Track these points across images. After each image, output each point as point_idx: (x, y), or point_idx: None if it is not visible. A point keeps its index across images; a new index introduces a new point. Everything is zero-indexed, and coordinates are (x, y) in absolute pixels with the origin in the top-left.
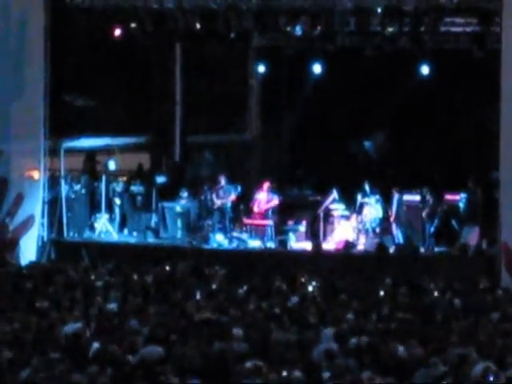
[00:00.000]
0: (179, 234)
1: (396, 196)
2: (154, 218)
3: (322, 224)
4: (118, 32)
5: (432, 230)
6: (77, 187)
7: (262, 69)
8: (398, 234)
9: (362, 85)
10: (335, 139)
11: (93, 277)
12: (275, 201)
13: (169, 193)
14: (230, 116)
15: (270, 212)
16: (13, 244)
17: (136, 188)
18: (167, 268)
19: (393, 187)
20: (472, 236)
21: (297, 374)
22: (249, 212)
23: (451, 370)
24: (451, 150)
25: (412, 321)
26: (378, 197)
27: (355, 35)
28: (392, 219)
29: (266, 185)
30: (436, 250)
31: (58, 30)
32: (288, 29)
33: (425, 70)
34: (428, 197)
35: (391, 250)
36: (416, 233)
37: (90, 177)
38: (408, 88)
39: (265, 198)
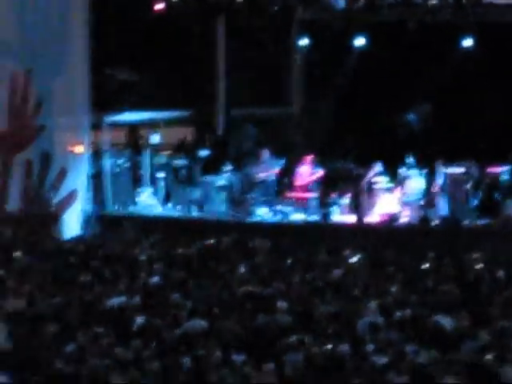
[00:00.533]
0: (223, 207)
1: (440, 168)
2: (198, 192)
3: (365, 197)
4: (160, 5)
5: (476, 202)
6: (120, 161)
7: (305, 42)
8: (441, 207)
9: (406, 58)
10: (379, 112)
11: (136, 250)
12: (319, 173)
13: (212, 167)
14: (273, 89)
15: (313, 185)
16: (56, 218)
17: (179, 162)
18: (211, 241)
19: (437, 160)
20: None
21: (341, 347)
22: (292, 185)
23: (495, 343)
24: (494, 122)
25: (456, 293)
26: (421, 169)
27: (398, 7)
28: (436, 192)
29: (309, 158)
30: (479, 222)
31: (101, 4)
32: (331, 2)
33: (468, 42)
34: (472, 169)
35: (435, 222)
36: (460, 205)
37: (134, 151)
38: (451, 61)
39: (308, 171)
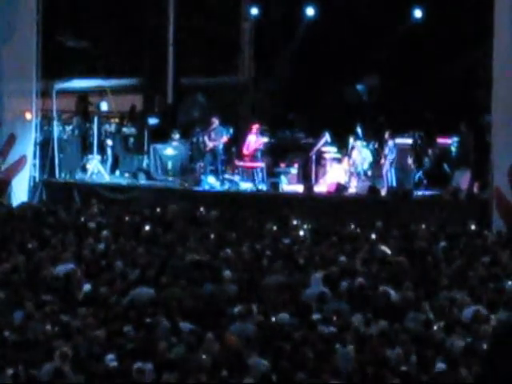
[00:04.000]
0: (171, 175)
1: (388, 139)
2: (146, 160)
3: (313, 167)
4: None
5: (423, 173)
6: (69, 128)
7: (254, 11)
8: (389, 177)
9: (355, 28)
10: (328, 82)
11: (84, 218)
12: (262, 140)
13: (161, 135)
14: (222, 58)
15: (260, 154)
16: (5, 184)
17: (128, 129)
18: (158, 210)
19: (385, 130)
20: (464, 180)
21: (286, 316)
22: (240, 154)
23: (442, 314)
24: (443, 93)
25: (403, 264)
26: (369, 140)
27: None
28: (384, 162)
29: (255, 127)
30: (427, 193)
31: None
32: None
33: (417, 13)
34: (420, 140)
35: (383, 192)
36: (408, 176)
37: (82, 118)
38: (400, 31)
39: (254, 140)
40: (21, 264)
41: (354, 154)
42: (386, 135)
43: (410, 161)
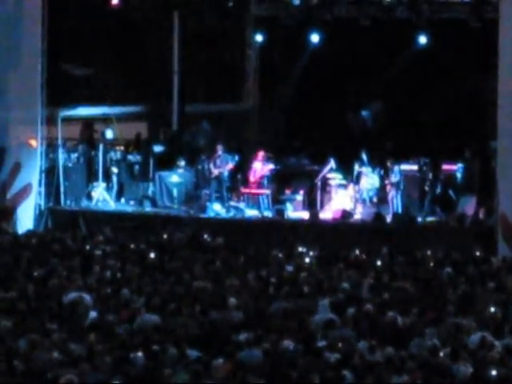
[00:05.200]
0: (176, 203)
1: (393, 165)
2: (151, 187)
3: (319, 193)
4: (115, 0)
5: (429, 199)
6: (74, 156)
7: (259, 38)
8: (395, 204)
9: (360, 55)
10: (332, 109)
11: (90, 246)
12: (269, 167)
13: (166, 162)
14: (227, 85)
15: (266, 181)
16: (10, 212)
17: (133, 157)
18: (164, 237)
19: (390, 157)
20: (469, 206)
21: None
22: (246, 181)
23: (448, 340)
24: (449, 120)
25: (409, 290)
26: (374, 166)
27: (353, 5)
28: (389, 189)
29: (261, 154)
30: (433, 219)
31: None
32: None
33: (422, 39)
34: (425, 167)
35: (388, 219)
36: (413, 202)
37: (88, 145)
38: (405, 58)
39: (260, 167)
40: (27, 292)
41: (362, 180)
42: (392, 161)
43: (415, 187)
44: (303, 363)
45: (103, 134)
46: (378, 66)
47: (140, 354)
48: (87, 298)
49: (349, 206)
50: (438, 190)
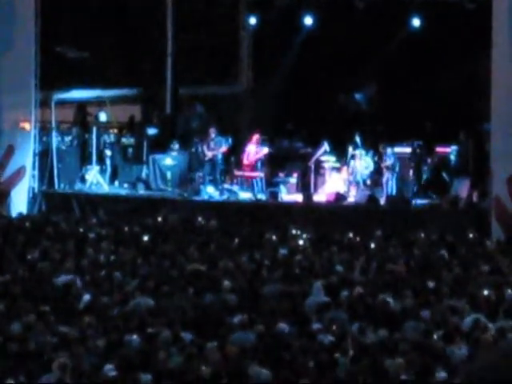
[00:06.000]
0: (170, 185)
1: (387, 149)
2: (145, 170)
3: (312, 176)
4: None
5: (423, 182)
6: (68, 139)
7: (253, 21)
8: (389, 186)
9: (353, 37)
10: (326, 91)
11: (83, 229)
12: (263, 151)
13: (160, 145)
14: (221, 68)
15: (260, 164)
16: (4, 195)
17: (127, 140)
18: (158, 220)
19: (384, 139)
20: (463, 188)
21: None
22: (239, 164)
23: (441, 322)
24: (442, 102)
25: (403, 273)
26: (368, 149)
27: None
28: (383, 171)
29: (256, 137)
30: (427, 202)
31: None
32: None
33: (416, 22)
34: (419, 149)
35: (382, 202)
36: (407, 185)
37: (81, 128)
38: (399, 40)
39: (254, 150)
40: (20, 275)
41: (356, 162)
42: (385, 144)
43: (409, 170)
44: (297, 345)
45: (97, 117)
46: (371, 48)
47: (134, 336)
48: (77, 280)
49: (342, 189)
50: (432, 173)
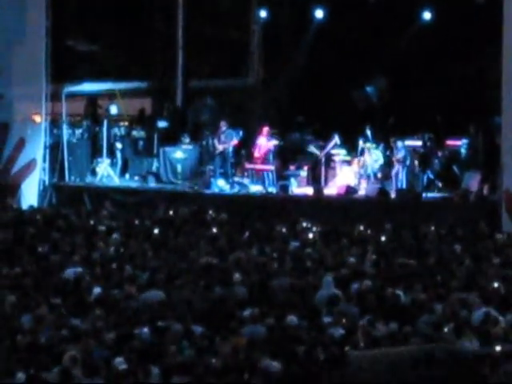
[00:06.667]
0: (180, 178)
1: (398, 141)
2: (156, 163)
3: (323, 169)
4: None
5: (433, 175)
6: (78, 132)
7: (263, 14)
8: (399, 179)
9: (364, 30)
10: (337, 84)
11: (94, 221)
12: (272, 143)
13: (170, 138)
14: (231, 61)
15: (270, 156)
16: (14, 188)
17: (137, 133)
18: (169, 213)
19: (394, 133)
20: (473, 182)
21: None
22: (250, 157)
23: (452, 315)
24: (453, 95)
25: (413, 266)
26: (379, 142)
27: None
28: (394, 164)
29: (266, 129)
30: (437, 195)
31: None
32: None
33: (426, 15)
34: (430, 142)
35: (392, 195)
36: (417, 178)
37: (92, 121)
38: (410, 34)
39: (264, 143)
40: (31, 268)
41: (366, 156)
42: (396, 137)
43: (419, 163)
44: (307, 338)
45: (107, 110)
46: (382, 42)
47: (145, 329)
48: (84, 273)
49: (353, 182)
50: (442, 166)
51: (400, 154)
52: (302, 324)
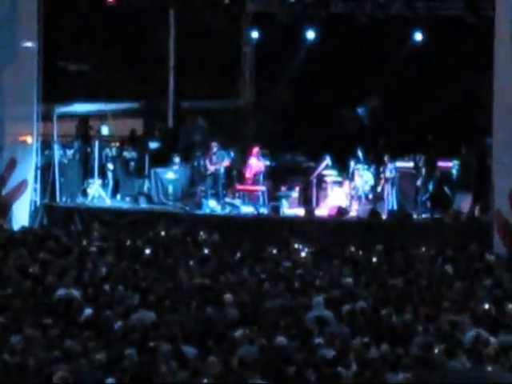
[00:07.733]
0: (172, 199)
1: (389, 163)
2: (147, 184)
3: (314, 190)
4: None
5: (425, 196)
6: (70, 152)
7: (255, 35)
8: (390, 201)
9: (356, 51)
10: (328, 106)
11: (85, 242)
12: (263, 163)
13: (161, 158)
14: (223, 82)
15: (261, 177)
16: (5, 209)
17: (129, 153)
18: (160, 233)
19: (385, 154)
20: (465, 203)
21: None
22: (241, 178)
23: (443, 337)
24: (444, 116)
25: (404, 287)
26: (370, 163)
27: (348, 1)
28: (385, 185)
29: (256, 150)
30: (429, 216)
31: None
32: None
33: (418, 36)
34: (421, 163)
35: (384, 216)
36: (409, 199)
37: (83, 142)
38: (401, 55)
39: (255, 163)
40: (22, 288)
41: (356, 177)
42: (386, 158)
43: (411, 184)
44: (299, 359)
45: (99, 131)
46: (373, 63)
47: (135, 350)
48: (76, 294)
49: (344, 203)
50: (434, 187)
51: (389, 174)
52: (293, 345)
